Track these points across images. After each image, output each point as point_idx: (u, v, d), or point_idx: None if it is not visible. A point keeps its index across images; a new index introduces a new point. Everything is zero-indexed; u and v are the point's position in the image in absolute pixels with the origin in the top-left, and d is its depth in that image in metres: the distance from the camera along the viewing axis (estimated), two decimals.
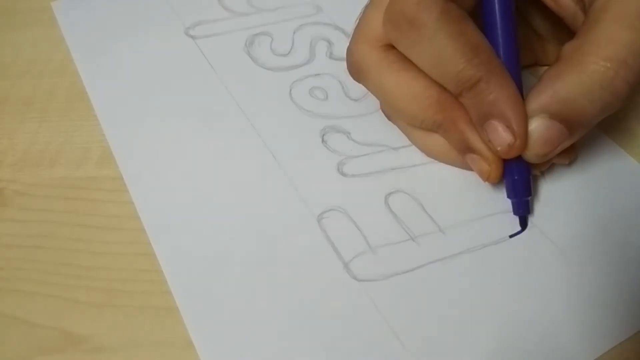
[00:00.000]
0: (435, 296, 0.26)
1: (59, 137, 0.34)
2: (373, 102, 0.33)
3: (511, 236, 0.28)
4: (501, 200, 0.29)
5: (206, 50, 0.38)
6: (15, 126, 0.35)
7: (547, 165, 0.30)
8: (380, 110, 0.33)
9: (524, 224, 0.29)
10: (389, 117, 0.32)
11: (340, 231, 0.29)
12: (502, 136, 0.26)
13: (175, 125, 0.34)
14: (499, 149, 0.27)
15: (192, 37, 0.39)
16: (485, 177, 0.28)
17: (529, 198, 0.29)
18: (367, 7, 0.30)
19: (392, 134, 0.32)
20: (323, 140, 0.33)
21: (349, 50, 0.31)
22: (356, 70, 0.31)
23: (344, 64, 0.32)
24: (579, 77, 0.25)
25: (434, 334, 0.25)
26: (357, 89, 0.32)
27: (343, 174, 0.31)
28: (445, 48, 0.26)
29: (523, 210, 0.29)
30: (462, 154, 0.29)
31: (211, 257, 0.28)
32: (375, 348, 0.25)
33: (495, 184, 0.29)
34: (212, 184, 0.31)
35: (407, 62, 0.28)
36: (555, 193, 0.30)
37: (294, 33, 0.38)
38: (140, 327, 0.26)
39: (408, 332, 0.25)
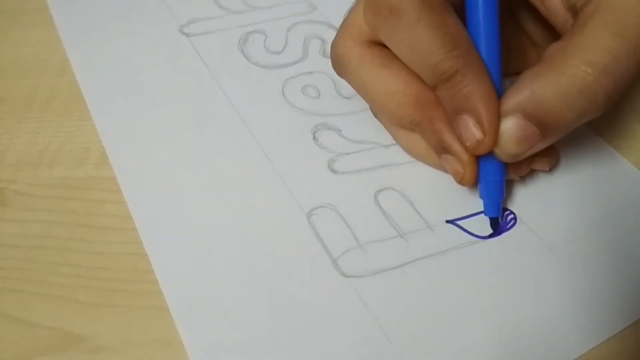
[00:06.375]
0: (422, 292, 0.27)
1: (59, 137, 0.34)
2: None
3: (481, 237, 0.29)
4: None
5: (200, 48, 0.38)
6: (15, 126, 0.35)
7: (527, 171, 0.30)
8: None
9: (495, 226, 0.29)
10: (375, 115, 0.32)
11: (329, 228, 0.29)
12: (471, 132, 0.26)
13: (167, 122, 0.34)
14: (467, 144, 0.26)
15: (187, 34, 0.39)
16: (459, 179, 0.28)
17: (501, 200, 0.28)
18: (354, 4, 0.30)
19: (383, 131, 0.32)
20: (314, 138, 0.33)
21: (333, 45, 0.31)
22: (339, 65, 0.31)
23: None
24: (557, 79, 0.25)
25: (421, 330, 0.26)
26: (349, 86, 0.32)
27: (334, 171, 0.31)
28: (424, 38, 0.26)
29: (494, 211, 0.29)
30: (438, 154, 0.29)
31: (201, 254, 0.28)
32: (362, 344, 0.25)
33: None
34: (204, 180, 0.31)
35: (390, 58, 0.29)
36: (543, 191, 0.30)
37: (287, 31, 0.39)
38: (140, 327, 0.26)
39: (395, 328, 0.26)
